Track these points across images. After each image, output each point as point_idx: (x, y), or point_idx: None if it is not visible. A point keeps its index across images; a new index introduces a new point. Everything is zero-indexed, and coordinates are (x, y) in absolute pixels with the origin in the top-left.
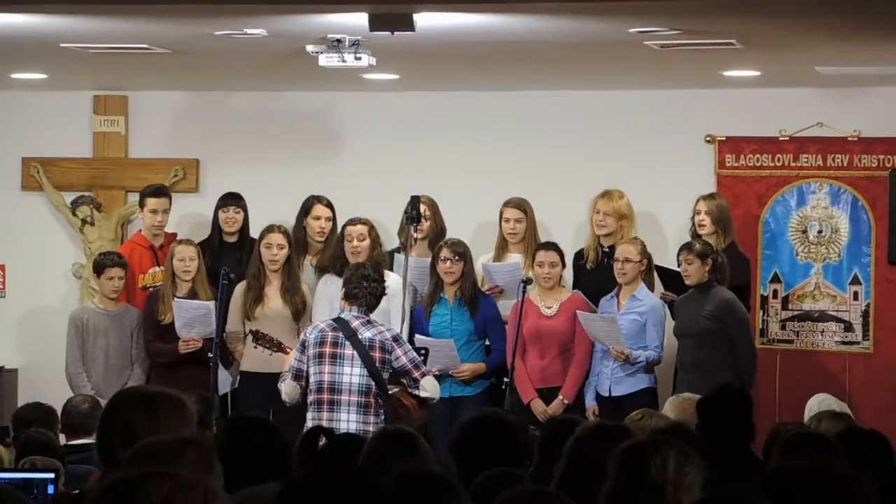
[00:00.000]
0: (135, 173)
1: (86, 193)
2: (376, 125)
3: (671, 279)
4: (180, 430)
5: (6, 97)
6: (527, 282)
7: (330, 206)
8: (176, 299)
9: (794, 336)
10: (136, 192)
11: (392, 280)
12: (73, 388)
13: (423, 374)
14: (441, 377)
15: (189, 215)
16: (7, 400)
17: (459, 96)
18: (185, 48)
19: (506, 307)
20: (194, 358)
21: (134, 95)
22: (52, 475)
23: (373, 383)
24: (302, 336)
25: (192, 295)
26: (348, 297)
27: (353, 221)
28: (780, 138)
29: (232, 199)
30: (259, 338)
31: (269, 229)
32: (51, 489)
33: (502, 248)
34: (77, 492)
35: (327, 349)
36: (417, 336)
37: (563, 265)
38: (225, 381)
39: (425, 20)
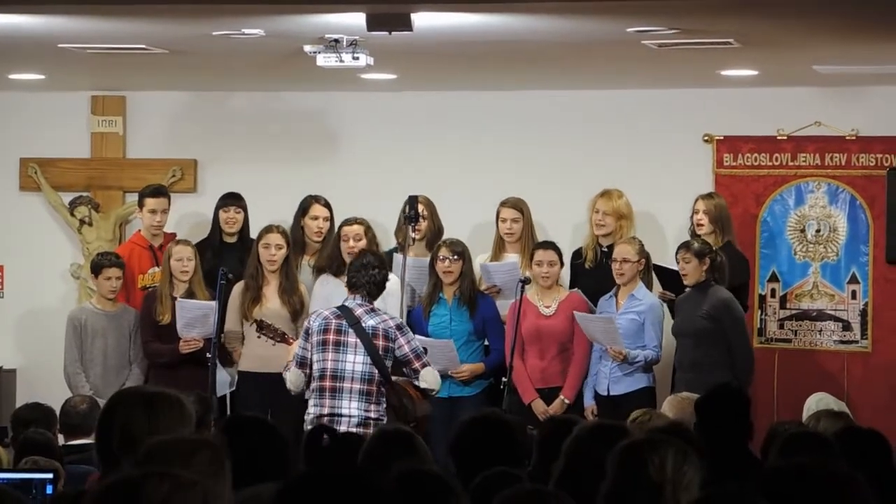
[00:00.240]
0: (133, 174)
1: (84, 194)
2: (374, 125)
3: (670, 279)
4: (179, 431)
5: (4, 98)
6: (525, 281)
7: (328, 205)
8: (179, 299)
9: (793, 335)
10: (134, 192)
11: (390, 280)
12: (72, 388)
13: (424, 365)
14: (440, 378)
15: (187, 215)
16: (5, 400)
17: (457, 96)
18: (182, 48)
19: (504, 307)
20: (193, 358)
21: (132, 96)
22: (50, 475)
23: (375, 371)
24: (306, 324)
25: (190, 295)
26: (350, 285)
27: (349, 221)
28: (779, 137)
29: (232, 200)
30: (263, 327)
31: (268, 229)
32: (49, 489)
33: (499, 247)
34: (76, 492)
35: (331, 336)
36: (417, 337)
37: (562, 264)
38: (224, 382)
39: (423, 20)
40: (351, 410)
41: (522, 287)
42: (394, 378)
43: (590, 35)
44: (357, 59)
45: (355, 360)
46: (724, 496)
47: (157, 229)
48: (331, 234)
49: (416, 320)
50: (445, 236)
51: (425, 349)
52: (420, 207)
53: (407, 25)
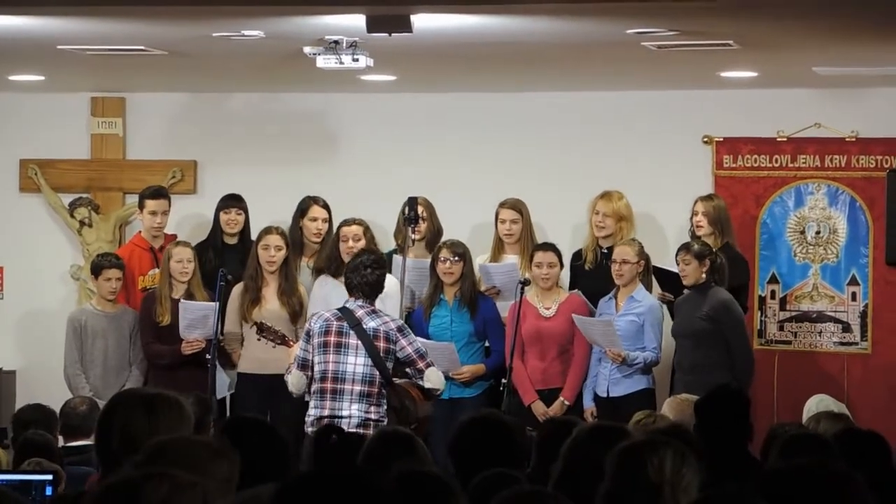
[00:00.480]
0: (133, 175)
1: (84, 195)
2: (374, 127)
3: (668, 280)
4: (178, 432)
5: (4, 99)
6: (524, 283)
7: (326, 207)
8: (182, 301)
9: (793, 337)
10: (134, 193)
11: (388, 282)
12: (72, 389)
13: (428, 365)
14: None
15: (187, 217)
16: (5, 402)
17: (457, 98)
18: (182, 50)
19: (504, 308)
20: (193, 360)
21: (131, 97)
22: (49, 477)
23: (377, 373)
24: (307, 326)
25: (189, 297)
26: (347, 287)
27: (348, 222)
28: (778, 139)
29: (233, 201)
30: (264, 329)
31: (267, 231)
32: (49, 491)
33: (498, 249)
34: (76, 493)
35: (332, 338)
36: (419, 339)
37: (561, 266)
38: (223, 383)
39: (423, 21)
40: (351, 412)
41: (522, 288)
42: (395, 379)
43: (589, 36)
44: (357, 60)
45: (356, 362)
46: (723, 498)
47: (158, 231)
48: (329, 236)
49: (416, 322)
50: (445, 237)
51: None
52: (419, 209)
53: (406, 27)
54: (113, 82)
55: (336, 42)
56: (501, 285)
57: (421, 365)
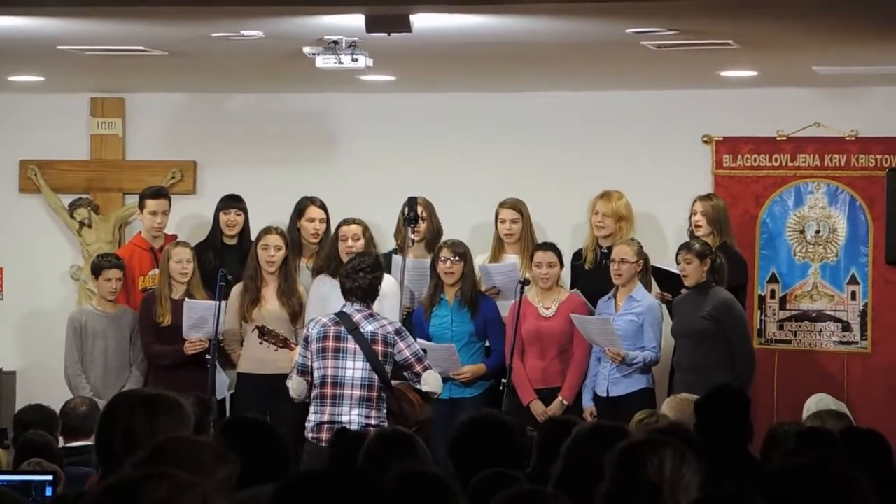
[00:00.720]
0: (132, 175)
1: (83, 196)
2: (373, 127)
3: (667, 280)
4: (179, 433)
5: (3, 100)
6: (524, 283)
7: (323, 207)
8: (187, 300)
9: (792, 336)
10: (133, 194)
11: (386, 282)
12: (72, 390)
13: (426, 368)
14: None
15: (187, 217)
16: (5, 402)
17: (456, 97)
18: (181, 50)
19: (504, 308)
20: (193, 360)
21: (131, 97)
22: (49, 477)
23: (375, 377)
24: (305, 331)
25: (189, 297)
26: (342, 292)
27: (347, 222)
28: (778, 138)
29: (233, 202)
30: (265, 333)
31: (266, 231)
32: (48, 491)
33: (498, 248)
34: (76, 494)
35: (330, 343)
36: (419, 340)
37: (561, 265)
38: (223, 384)
39: (422, 21)
40: (351, 417)
41: (522, 288)
42: (393, 383)
43: (589, 36)
44: (356, 60)
45: (354, 367)
46: (722, 497)
47: (158, 231)
48: (328, 236)
49: (416, 321)
50: (445, 237)
51: (424, 350)
52: (419, 209)
53: (406, 27)
54: (112, 83)
55: (335, 42)
56: (501, 285)
57: (418, 368)
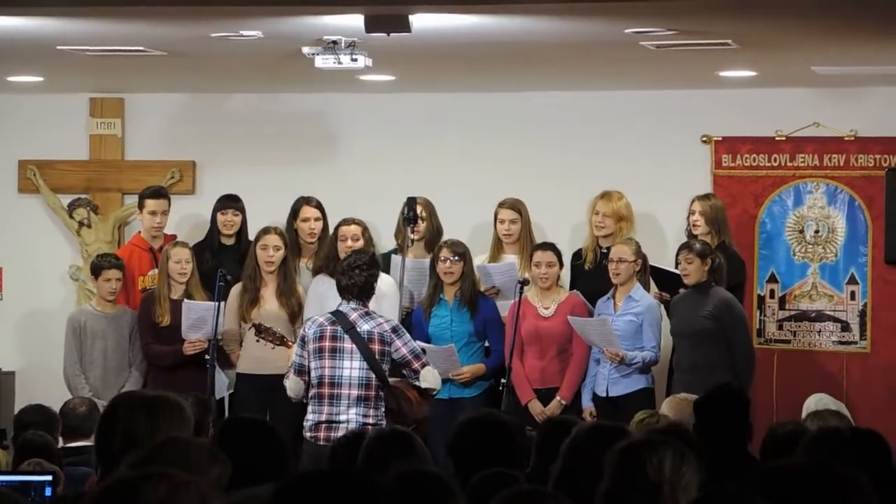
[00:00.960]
0: (131, 175)
1: (82, 196)
2: (373, 127)
3: (665, 279)
4: (179, 435)
5: (3, 100)
6: (524, 283)
7: (319, 206)
8: (186, 301)
9: (792, 336)
10: (132, 194)
11: (384, 282)
12: (71, 390)
13: (424, 365)
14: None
15: (186, 217)
16: (5, 402)
17: (456, 97)
18: (181, 50)
19: (504, 307)
20: (192, 360)
21: (130, 98)
22: (49, 477)
23: (373, 376)
24: (301, 331)
25: (188, 297)
26: (338, 289)
27: (346, 222)
28: (777, 138)
29: (230, 202)
30: (262, 331)
31: (265, 231)
32: (48, 491)
33: (497, 248)
34: (75, 494)
35: (326, 343)
36: (418, 342)
37: (561, 265)
38: (223, 383)
39: (421, 21)
40: (349, 416)
41: (521, 288)
42: (391, 381)
43: (588, 36)
44: (355, 60)
45: (352, 366)
46: (722, 497)
47: (157, 231)
48: (325, 234)
49: (416, 321)
50: (445, 237)
51: (423, 350)
52: (419, 209)
53: (405, 27)
54: (112, 83)
55: (334, 42)
56: (500, 285)
57: (416, 365)
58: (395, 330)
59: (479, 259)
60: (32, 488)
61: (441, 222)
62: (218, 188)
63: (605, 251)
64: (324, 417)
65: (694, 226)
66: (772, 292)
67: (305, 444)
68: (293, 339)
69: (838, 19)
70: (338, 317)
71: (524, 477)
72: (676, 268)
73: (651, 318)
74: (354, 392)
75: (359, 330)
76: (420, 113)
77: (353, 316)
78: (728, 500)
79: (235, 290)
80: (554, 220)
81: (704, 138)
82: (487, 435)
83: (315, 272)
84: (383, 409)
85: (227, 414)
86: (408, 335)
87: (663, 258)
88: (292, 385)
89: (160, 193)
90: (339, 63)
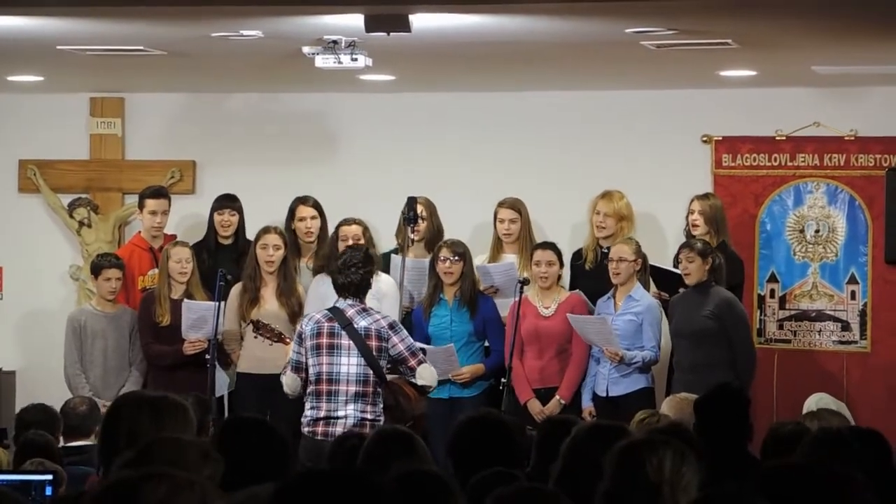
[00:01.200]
0: (132, 175)
1: (83, 195)
2: (373, 126)
3: (665, 279)
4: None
5: (3, 100)
6: (524, 282)
7: (316, 205)
8: (186, 301)
9: (792, 336)
10: (133, 193)
11: (384, 282)
12: (72, 389)
13: (420, 362)
14: (440, 381)
15: (186, 217)
16: (5, 402)
17: (456, 97)
18: (181, 50)
19: (502, 306)
20: (193, 360)
21: (130, 97)
22: (49, 477)
23: (370, 372)
24: (298, 328)
25: (188, 297)
26: (335, 288)
27: (347, 222)
28: (777, 138)
29: (227, 202)
30: (260, 327)
31: (265, 230)
32: (48, 491)
33: (497, 248)
34: (76, 494)
35: (324, 340)
36: (417, 344)
37: (561, 265)
38: (223, 382)
39: (421, 21)
40: (347, 412)
41: (521, 287)
42: (388, 377)
43: (588, 36)
44: (355, 60)
45: (349, 363)
46: (722, 497)
47: (158, 231)
48: (324, 233)
49: (416, 321)
50: (445, 237)
51: (423, 352)
52: (419, 208)
53: (405, 27)
54: (112, 82)
55: (335, 42)
56: (500, 285)
57: (413, 362)
58: (392, 326)
59: (479, 259)
60: (33, 487)
61: (441, 222)
62: (218, 188)
63: (605, 251)
64: (322, 413)
65: (693, 225)
66: (772, 292)
67: (303, 440)
68: (292, 337)
69: (838, 19)
70: (335, 313)
71: (524, 476)
72: (676, 267)
73: (651, 317)
74: (352, 388)
75: (356, 326)
76: (420, 113)
77: (350, 312)
78: (728, 500)
79: (235, 289)
80: (554, 219)
81: (705, 138)
82: (487, 435)
83: (315, 272)
84: (381, 406)
85: (226, 412)
86: (405, 332)
87: (663, 258)
88: (289, 382)
89: (160, 193)
90: (340, 63)
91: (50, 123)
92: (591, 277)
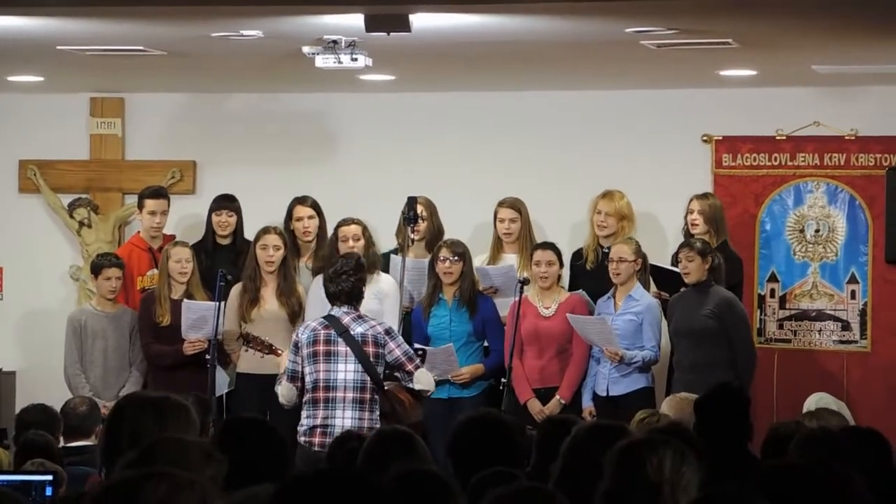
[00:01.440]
0: (132, 175)
1: (83, 196)
2: (373, 126)
3: (665, 278)
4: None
5: (3, 100)
6: (524, 282)
7: (314, 205)
8: (185, 301)
9: (792, 335)
10: (133, 194)
11: (385, 282)
12: (72, 389)
13: (417, 367)
14: (440, 380)
15: (186, 217)
16: (5, 402)
17: (456, 97)
18: (181, 50)
19: (504, 306)
20: (193, 360)
21: (130, 97)
22: (49, 477)
23: (368, 378)
24: (294, 337)
25: (188, 297)
26: (330, 298)
27: (346, 222)
28: (777, 137)
29: (225, 202)
30: (250, 340)
31: (265, 230)
32: (49, 491)
33: (497, 248)
34: (77, 494)
35: (321, 347)
36: (415, 344)
37: (561, 265)
38: (223, 381)
39: (421, 21)
40: (344, 420)
41: (521, 287)
42: (385, 384)
43: (588, 36)
44: (355, 60)
45: (346, 369)
46: (722, 497)
47: (157, 231)
48: (324, 233)
49: (415, 321)
50: (445, 237)
51: (423, 351)
52: (420, 208)
53: (405, 26)
54: (112, 83)
55: (335, 42)
56: (499, 286)
57: (410, 367)
58: (388, 332)
59: (479, 259)
60: (33, 488)
61: (442, 222)
62: (218, 188)
63: (606, 251)
64: (319, 421)
65: (693, 225)
66: (772, 291)
67: (300, 449)
68: (283, 348)
69: (838, 18)
70: (330, 321)
71: (525, 476)
72: (675, 266)
73: (651, 317)
74: (350, 395)
75: (352, 333)
76: (420, 113)
77: (346, 320)
78: (728, 499)
79: (235, 290)
80: (554, 219)
81: (705, 138)
82: (486, 434)
83: (315, 272)
84: (378, 413)
85: (225, 411)
86: (401, 338)
87: (663, 258)
88: (284, 392)
89: (160, 193)
90: (340, 63)
91: (50, 123)
92: (592, 277)
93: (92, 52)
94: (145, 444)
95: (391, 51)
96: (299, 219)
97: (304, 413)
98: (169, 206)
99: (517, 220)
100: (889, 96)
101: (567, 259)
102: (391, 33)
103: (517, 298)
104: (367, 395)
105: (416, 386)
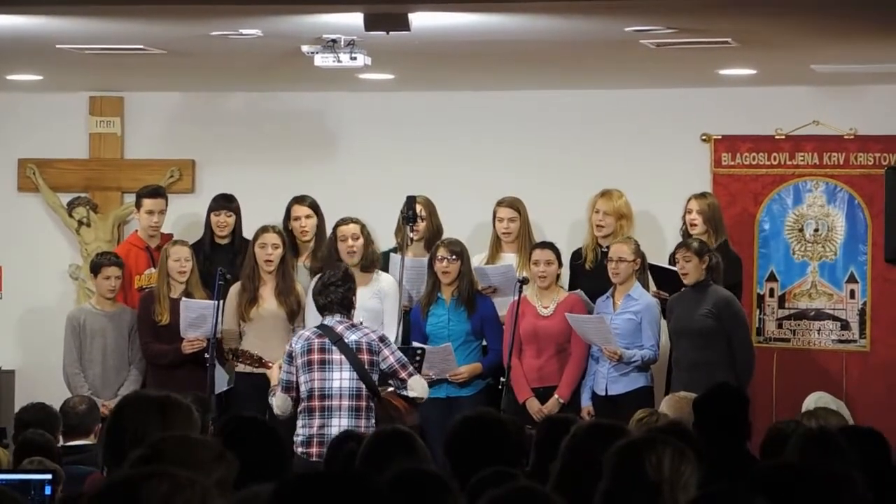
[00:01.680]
0: (131, 174)
1: (82, 195)
2: (372, 125)
3: (665, 278)
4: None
5: (2, 98)
6: (523, 281)
7: (312, 205)
8: (184, 299)
9: (791, 335)
10: (132, 193)
11: (385, 281)
12: (71, 388)
13: (411, 374)
14: (438, 380)
15: (185, 216)
16: (4, 401)
17: (455, 96)
18: (180, 49)
19: (502, 305)
20: (192, 359)
21: (130, 96)
22: (48, 476)
23: (363, 386)
24: (288, 347)
25: (188, 296)
26: (320, 309)
27: (345, 221)
28: (776, 137)
29: (223, 202)
30: (240, 354)
31: (264, 229)
32: (48, 490)
33: (496, 247)
34: (77, 494)
35: (315, 356)
36: (415, 344)
37: (560, 264)
38: (222, 380)
39: (420, 20)
40: (340, 428)
41: (520, 287)
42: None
43: (587, 35)
44: (355, 59)
45: (342, 377)
46: (721, 495)
47: (154, 230)
48: (322, 232)
49: (414, 320)
50: (444, 236)
51: (422, 354)
52: (419, 208)
53: (404, 25)
54: (111, 81)
55: (334, 40)
56: (498, 286)
57: (403, 374)
58: (382, 339)
59: (478, 258)
60: (32, 487)
61: (441, 221)
62: (217, 187)
63: (605, 250)
64: (315, 430)
65: (691, 225)
66: (771, 291)
67: (296, 459)
68: (274, 361)
69: (838, 18)
70: (324, 330)
71: (524, 476)
72: (673, 266)
73: (650, 316)
74: (346, 402)
75: (346, 341)
76: (419, 112)
77: (340, 328)
78: (727, 498)
79: (234, 289)
80: (553, 219)
81: (704, 137)
82: (484, 434)
83: (313, 272)
84: (374, 420)
85: (224, 410)
86: (394, 345)
87: (662, 257)
88: (279, 402)
89: (157, 192)
90: (339, 61)
91: (49, 122)
92: (591, 277)
93: (91, 50)
94: (152, 442)
95: (390, 50)
96: (297, 218)
97: (299, 423)
98: (167, 205)
99: (516, 220)
100: (888, 95)
101: (566, 259)
102: (390, 32)
103: (516, 298)
104: (363, 403)
105: (411, 393)
